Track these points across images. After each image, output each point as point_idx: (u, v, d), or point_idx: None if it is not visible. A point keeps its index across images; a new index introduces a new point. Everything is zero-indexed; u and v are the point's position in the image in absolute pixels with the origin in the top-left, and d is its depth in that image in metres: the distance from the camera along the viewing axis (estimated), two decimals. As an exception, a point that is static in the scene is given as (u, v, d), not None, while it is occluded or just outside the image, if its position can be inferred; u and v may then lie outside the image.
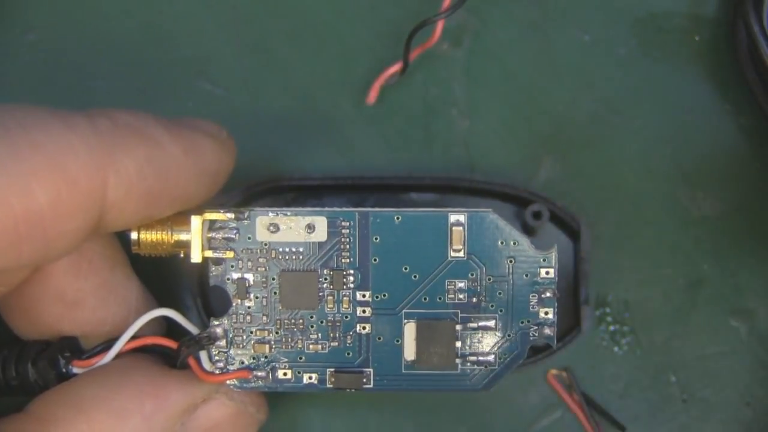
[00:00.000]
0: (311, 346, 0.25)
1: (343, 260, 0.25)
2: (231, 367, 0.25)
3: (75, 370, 0.24)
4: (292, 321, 0.25)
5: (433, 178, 0.28)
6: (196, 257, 0.24)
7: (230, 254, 0.24)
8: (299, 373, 0.25)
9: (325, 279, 0.25)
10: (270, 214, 0.24)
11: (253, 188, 0.28)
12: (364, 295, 0.25)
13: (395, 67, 0.28)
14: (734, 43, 0.29)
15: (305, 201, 0.29)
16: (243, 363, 0.25)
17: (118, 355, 0.24)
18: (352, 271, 0.25)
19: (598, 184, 0.29)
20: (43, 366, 0.24)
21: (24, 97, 0.29)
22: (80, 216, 0.21)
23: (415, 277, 0.25)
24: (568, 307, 0.28)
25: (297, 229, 0.24)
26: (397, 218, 0.24)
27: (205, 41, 0.29)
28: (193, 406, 0.24)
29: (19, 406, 0.23)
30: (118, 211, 0.21)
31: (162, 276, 0.27)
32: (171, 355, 0.24)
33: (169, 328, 0.26)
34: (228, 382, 0.24)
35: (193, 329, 0.25)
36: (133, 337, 0.24)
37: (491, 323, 0.25)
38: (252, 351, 0.25)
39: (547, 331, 0.25)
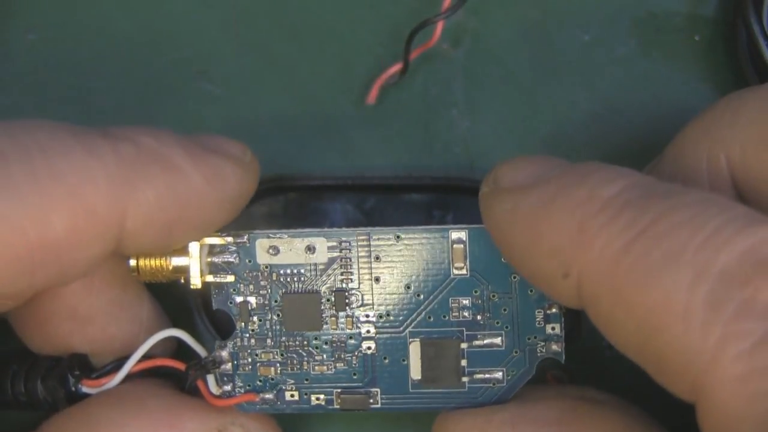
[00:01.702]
0: (317, 368, 0.25)
1: (344, 280, 0.24)
2: (238, 390, 0.25)
3: (84, 389, 0.24)
4: (297, 343, 0.25)
5: (433, 178, 0.28)
6: (195, 282, 0.24)
7: (231, 278, 0.24)
8: (306, 394, 0.25)
9: (328, 300, 0.24)
10: (269, 236, 0.24)
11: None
12: (367, 315, 0.25)
13: (395, 68, 0.28)
14: (734, 43, 0.29)
15: (305, 201, 0.29)
16: (249, 386, 0.25)
17: (129, 376, 0.24)
18: (354, 292, 0.24)
19: None
20: (52, 384, 0.24)
21: (24, 97, 0.29)
22: (96, 244, 0.21)
23: (418, 295, 0.24)
24: (567, 307, 0.28)
25: (297, 250, 0.24)
26: (398, 237, 0.24)
27: (205, 41, 0.29)
28: None
29: (27, 422, 0.23)
30: (135, 239, 0.21)
31: (172, 294, 0.27)
32: (180, 376, 0.24)
33: (180, 346, 0.26)
34: (235, 405, 0.24)
35: (202, 350, 0.25)
36: (143, 357, 0.24)
37: (497, 340, 0.24)
38: (258, 374, 0.25)
39: (555, 346, 0.24)
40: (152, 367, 0.24)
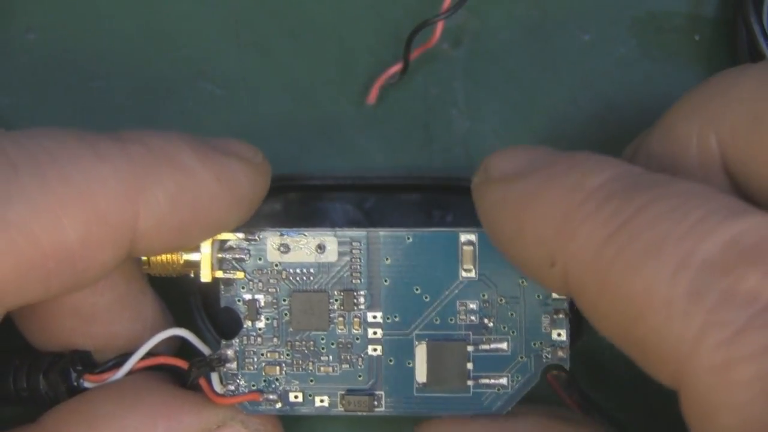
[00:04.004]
0: (322, 369, 0.25)
1: (353, 281, 0.24)
2: (242, 390, 0.24)
3: (86, 384, 0.24)
4: (303, 343, 0.25)
5: (433, 178, 0.28)
6: (206, 278, 0.24)
7: (240, 275, 0.24)
8: (310, 395, 0.25)
9: (336, 300, 0.24)
10: (281, 234, 0.24)
11: (253, 188, 0.28)
12: (375, 317, 0.24)
13: (395, 68, 0.28)
14: (734, 43, 0.29)
15: (306, 201, 0.29)
16: (254, 385, 0.24)
17: (130, 372, 0.24)
18: (363, 292, 0.24)
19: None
20: (54, 379, 0.24)
21: (24, 97, 0.29)
22: (110, 248, 0.21)
23: (426, 298, 0.24)
24: (572, 310, 0.28)
25: (307, 249, 0.24)
26: (408, 238, 0.24)
27: (205, 41, 0.29)
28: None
29: (31, 417, 0.23)
30: (149, 241, 0.21)
31: (175, 292, 0.27)
32: (183, 374, 0.24)
33: (183, 345, 0.26)
34: (238, 405, 0.24)
35: (205, 349, 0.25)
36: (146, 355, 0.24)
37: (504, 345, 0.24)
38: (263, 373, 0.24)
39: (561, 353, 0.24)
40: (155, 365, 0.24)
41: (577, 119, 0.29)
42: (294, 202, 0.29)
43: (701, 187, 0.19)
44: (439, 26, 0.27)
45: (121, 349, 0.24)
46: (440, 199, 0.29)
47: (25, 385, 0.24)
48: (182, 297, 0.27)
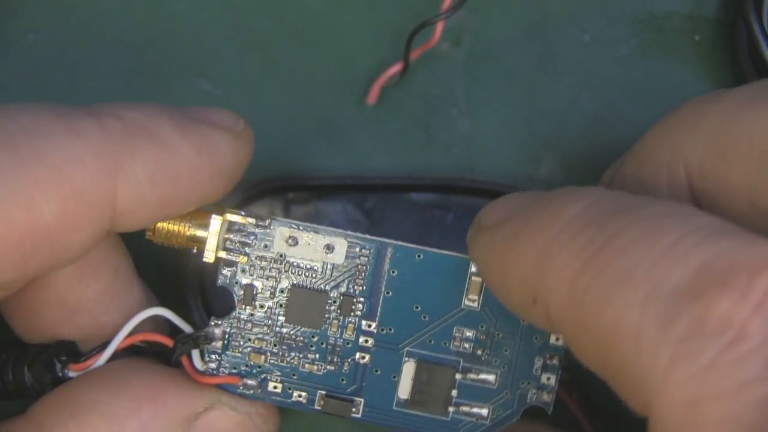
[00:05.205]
0: (307, 365, 0.24)
1: (355, 287, 0.24)
2: (222, 371, 0.24)
3: (71, 374, 0.24)
4: (293, 337, 0.24)
5: (433, 178, 0.28)
6: (209, 256, 0.24)
7: (243, 259, 0.24)
8: (289, 389, 0.24)
9: (334, 302, 0.24)
10: (292, 226, 0.24)
11: (252, 188, 0.28)
12: (369, 325, 0.24)
13: (395, 68, 0.28)
14: (734, 43, 0.29)
15: (305, 201, 0.29)
16: (235, 369, 0.24)
17: (116, 357, 0.24)
18: (362, 299, 0.24)
19: (598, 184, 0.29)
20: (39, 370, 0.23)
21: (24, 97, 0.29)
22: (88, 226, 0.20)
23: (424, 317, 0.24)
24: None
25: (315, 246, 0.24)
26: (418, 256, 0.24)
27: (205, 41, 0.29)
28: (194, 414, 0.23)
29: (23, 410, 0.23)
30: (129, 218, 0.21)
31: (164, 273, 0.27)
32: (168, 354, 0.24)
33: (171, 332, 0.26)
34: (215, 386, 0.24)
35: (188, 329, 0.24)
36: (129, 335, 0.24)
37: (491, 377, 0.24)
38: (247, 359, 0.24)
39: (546, 397, 0.24)
40: (139, 343, 0.24)
41: (577, 119, 0.29)
42: (294, 202, 0.29)
43: (680, 207, 0.18)
44: (439, 26, 0.27)
45: (108, 338, 0.24)
46: (440, 199, 0.29)
47: (11, 378, 0.24)
48: (177, 272, 0.27)
